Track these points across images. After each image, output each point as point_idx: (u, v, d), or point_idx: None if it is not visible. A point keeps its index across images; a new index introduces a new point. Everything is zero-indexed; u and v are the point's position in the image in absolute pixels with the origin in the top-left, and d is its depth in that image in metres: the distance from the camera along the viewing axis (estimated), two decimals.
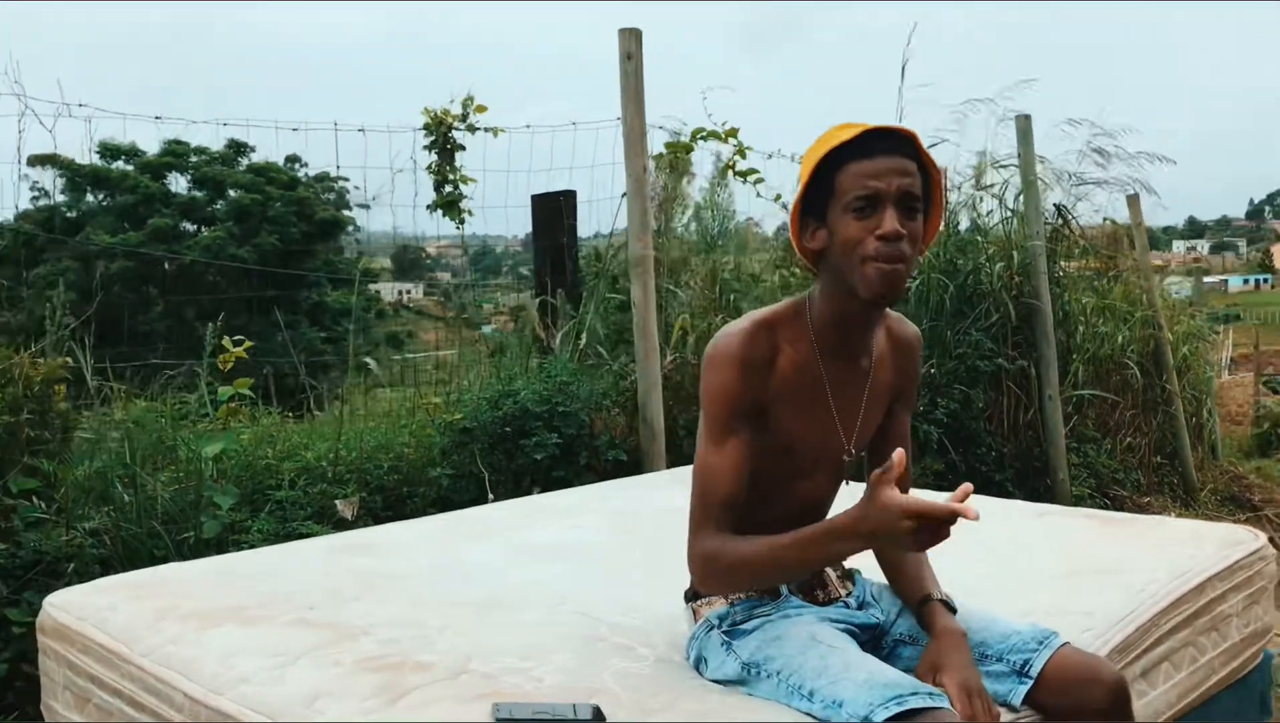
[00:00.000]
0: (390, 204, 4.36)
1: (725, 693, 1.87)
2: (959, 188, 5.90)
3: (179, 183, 32.12)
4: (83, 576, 3.36)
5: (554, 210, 5.67)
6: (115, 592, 2.41)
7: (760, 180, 5.10)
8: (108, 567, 3.47)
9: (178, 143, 30.10)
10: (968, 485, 1.67)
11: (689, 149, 4.99)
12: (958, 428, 5.63)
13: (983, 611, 2.03)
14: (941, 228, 6.13)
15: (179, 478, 3.67)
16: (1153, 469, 7.37)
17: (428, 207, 4.50)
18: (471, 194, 4.55)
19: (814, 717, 1.76)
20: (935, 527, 1.63)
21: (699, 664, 2.01)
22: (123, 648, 2.14)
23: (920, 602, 1.99)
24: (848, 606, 2.05)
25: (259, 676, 1.93)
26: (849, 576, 2.12)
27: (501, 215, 4.74)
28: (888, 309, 2.01)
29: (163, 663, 2.05)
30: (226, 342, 3.65)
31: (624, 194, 4.46)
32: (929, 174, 1.85)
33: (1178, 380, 7.71)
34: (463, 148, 4.47)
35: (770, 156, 5.22)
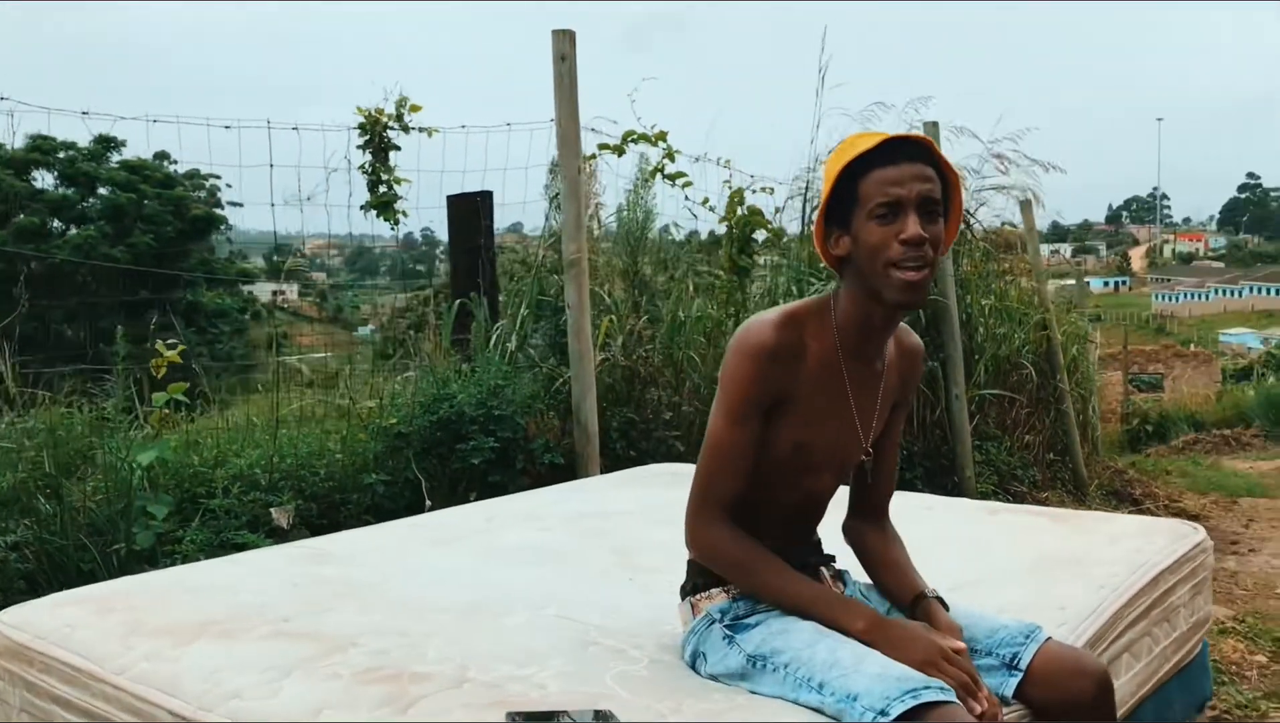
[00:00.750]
0: (325, 204, 4.27)
1: (730, 693, 1.88)
2: None
3: (45, 180, 30.85)
4: (6, 592, 3.22)
5: (471, 211, 5.61)
6: (71, 608, 2.31)
7: (689, 184, 5.15)
8: (33, 582, 3.34)
9: (43, 138, 28.89)
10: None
11: (620, 151, 5.01)
12: None
13: (967, 606, 2.09)
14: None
15: (104, 487, 3.53)
16: (1046, 465, 7.64)
17: (361, 207, 4.42)
18: (405, 194, 4.47)
19: (824, 710, 1.78)
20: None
21: (696, 660, 2.02)
22: (93, 667, 2.06)
23: (914, 600, 2.03)
24: None
25: (251, 691, 1.88)
26: (839, 576, 2.16)
27: (439, 215, 4.66)
28: None
29: (140, 681, 1.98)
30: (161, 346, 3.52)
31: (552, 194, 4.44)
32: (947, 179, 1.90)
33: (1068, 379, 8.02)
34: (397, 148, 4.41)
35: (697, 160, 5.27)
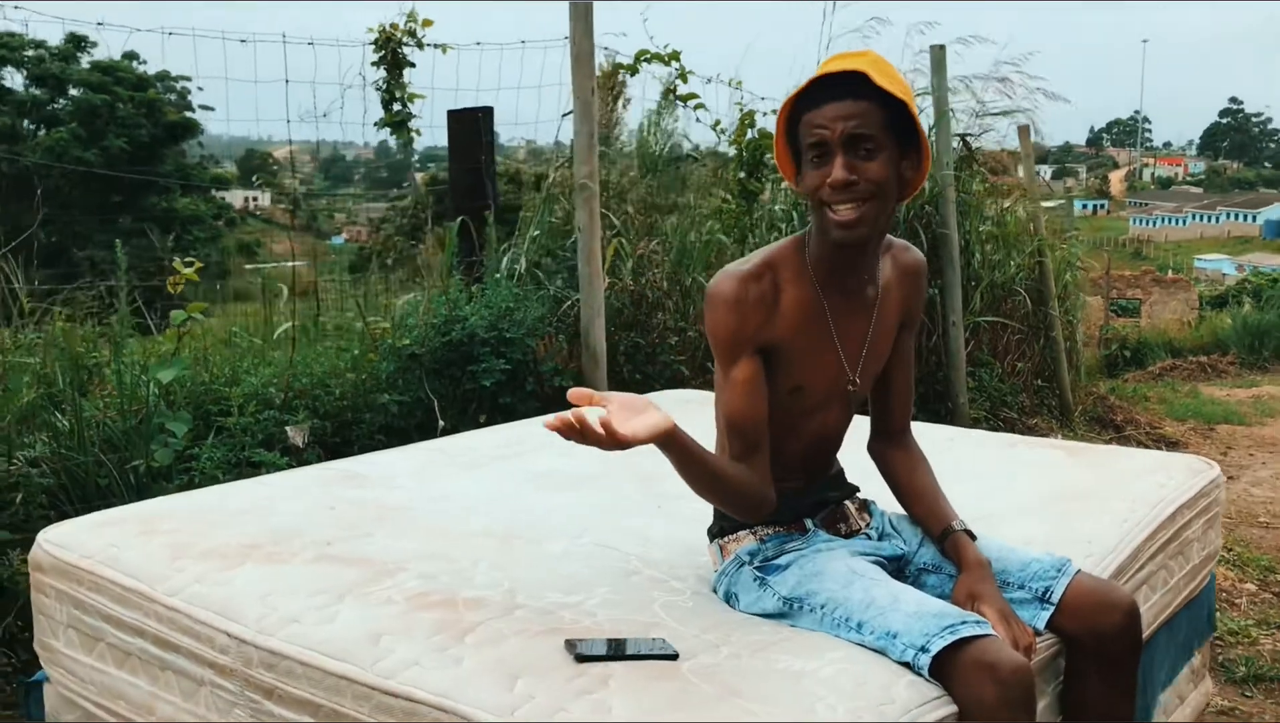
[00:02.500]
0: (340, 120, 4.22)
1: (774, 625, 1.93)
2: None
3: (14, 79, 30.19)
4: (28, 506, 3.24)
5: (472, 127, 5.55)
6: (114, 528, 2.34)
7: (701, 105, 5.10)
8: (53, 497, 3.36)
9: (10, 35, 28.21)
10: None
11: (633, 70, 4.96)
12: None
13: (999, 540, 2.14)
14: None
15: (120, 404, 3.53)
16: (1034, 391, 7.74)
17: (375, 124, 4.37)
18: (419, 112, 4.42)
19: (865, 647, 1.83)
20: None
21: (729, 600, 2.06)
22: (144, 587, 2.09)
23: (942, 534, 2.08)
24: (869, 537, 2.14)
25: (308, 615, 1.92)
26: (865, 507, 2.20)
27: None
28: (891, 237, 2.09)
29: (195, 603, 2.01)
30: (178, 264, 3.50)
31: (565, 114, 4.41)
32: (903, 102, 1.87)
33: (1058, 306, 8.09)
34: (412, 64, 4.34)
35: (709, 81, 5.22)
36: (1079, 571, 2.06)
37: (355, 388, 3.95)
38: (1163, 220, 73.32)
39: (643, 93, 5.05)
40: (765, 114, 5.28)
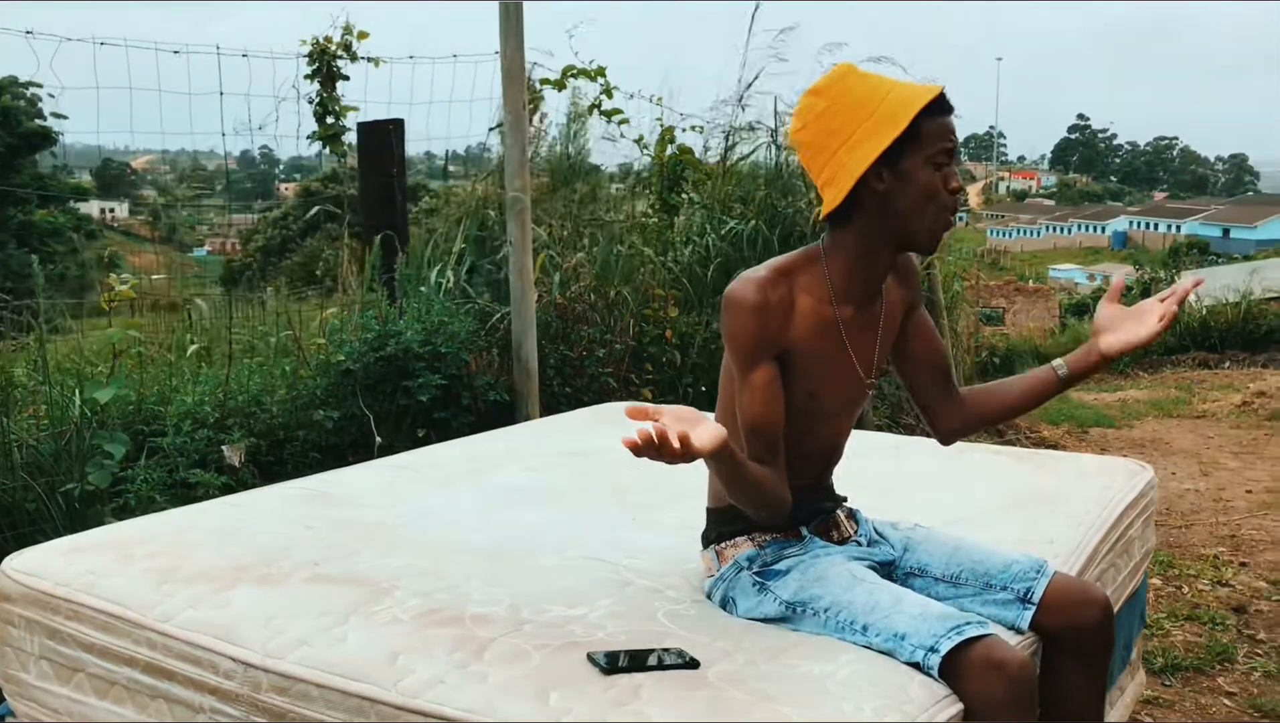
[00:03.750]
0: (274, 135, 4.13)
1: (780, 632, 1.98)
2: (786, 134, 6.14)
3: None
4: None
5: (382, 139, 5.49)
6: (87, 554, 2.26)
7: (625, 120, 5.15)
8: None
9: None
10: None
11: (561, 85, 4.98)
12: None
13: (980, 543, 2.24)
14: (766, 172, 6.44)
15: (48, 425, 3.41)
16: None
17: (308, 137, 4.30)
18: (353, 125, 4.36)
19: (872, 649, 1.90)
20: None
21: (726, 605, 2.11)
22: (134, 614, 2.03)
23: (1052, 373, 2.14)
24: (859, 543, 2.21)
25: (316, 637, 1.90)
26: (853, 515, 2.27)
27: None
28: None
29: (192, 628, 1.97)
30: (113, 279, 3.39)
31: (492, 127, 4.40)
32: None
33: (947, 317, 8.37)
34: (346, 78, 4.28)
35: (632, 97, 5.28)
36: (1056, 571, 2.17)
37: (289, 405, 3.88)
38: (1018, 232, 76.21)
39: (568, 107, 5.09)
40: (684, 130, 5.37)
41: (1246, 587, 4.47)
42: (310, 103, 4.26)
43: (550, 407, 4.46)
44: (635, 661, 1.78)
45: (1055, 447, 8.23)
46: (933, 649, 1.82)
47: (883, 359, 2.19)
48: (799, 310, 2.02)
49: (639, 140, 5.27)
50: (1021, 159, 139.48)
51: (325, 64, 4.21)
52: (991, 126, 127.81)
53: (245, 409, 3.72)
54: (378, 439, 3.88)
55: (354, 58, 4.27)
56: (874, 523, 2.28)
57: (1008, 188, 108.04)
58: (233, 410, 3.70)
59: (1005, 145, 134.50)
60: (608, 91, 5.11)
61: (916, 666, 1.83)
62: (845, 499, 2.28)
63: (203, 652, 1.93)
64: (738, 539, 2.14)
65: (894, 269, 2.14)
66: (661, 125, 5.33)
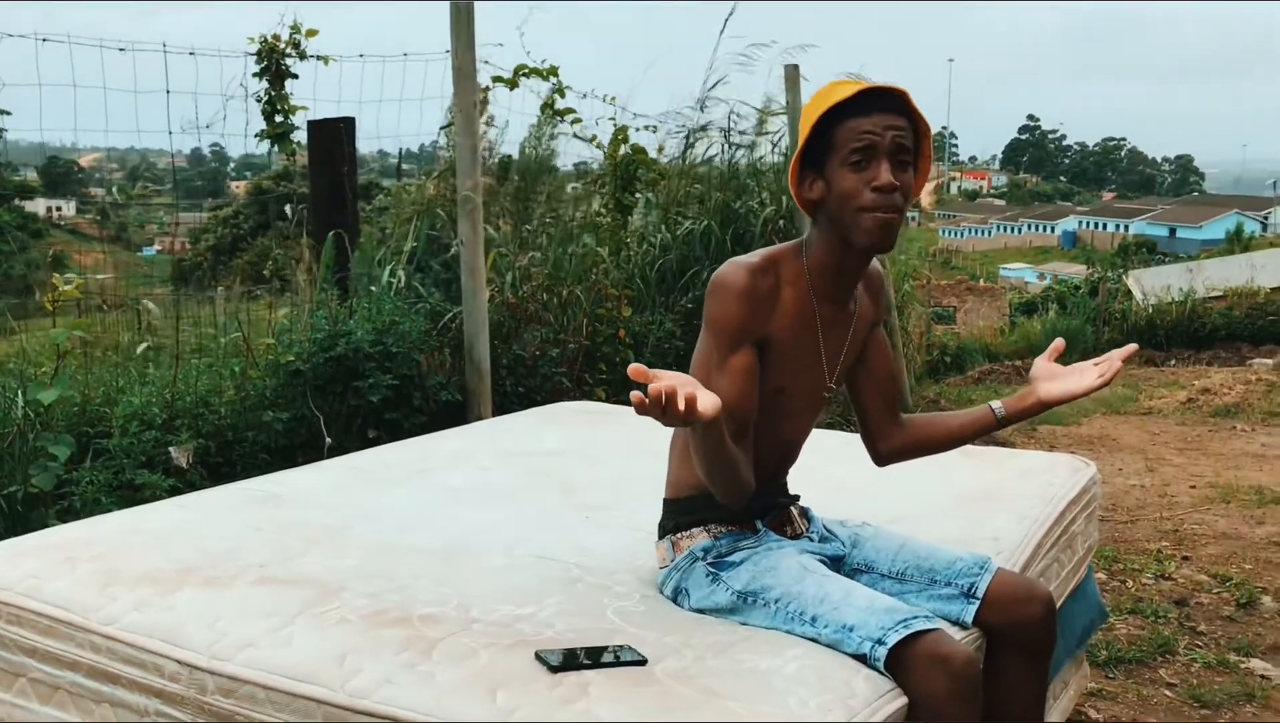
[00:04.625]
0: (222, 133, 4.09)
1: (726, 624, 2.00)
2: (741, 134, 6.18)
3: None
4: None
5: (333, 138, 5.45)
6: (29, 557, 2.23)
7: (578, 120, 5.15)
8: None
9: None
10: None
11: (513, 84, 4.97)
12: None
13: (925, 541, 2.27)
14: (720, 173, 6.47)
15: None
16: None
17: (256, 135, 4.26)
18: (301, 124, 4.33)
19: (819, 641, 1.92)
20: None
21: (678, 596, 2.13)
22: (77, 618, 2.01)
23: (989, 413, 2.25)
24: (811, 539, 2.24)
25: (262, 638, 1.89)
26: (804, 513, 2.30)
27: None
28: None
29: (136, 631, 1.95)
30: (58, 279, 3.34)
31: (442, 126, 4.39)
32: (919, 128, 2.02)
33: (898, 316, 8.46)
34: (295, 76, 4.25)
35: (585, 96, 5.28)
36: (999, 567, 2.20)
37: (237, 406, 3.85)
38: (970, 231, 77.04)
39: (521, 105, 5.09)
40: (637, 130, 5.39)
41: (1188, 580, 4.55)
42: (259, 101, 4.23)
43: (503, 407, 4.46)
44: (583, 658, 1.79)
45: (1005, 444, 8.30)
46: (879, 642, 1.84)
47: (847, 364, 2.23)
48: (783, 301, 2.05)
49: (592, 139, 5.29)
50: (973, 159, 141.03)
51: (274, 62, 4.18)
52: (944, 127, 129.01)
53: (193, 410, 3.68)
54: (328, 440, 3.86)
55: (303, 56, 4.24)
56: (824, 521, 2.31)
57: (959, 188, 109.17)
58: (180, 411, 3.67)
59: (957, 146, 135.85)
60: (560, 91, 5.12)
61: (863, 658, 1.86)
62: (798, 498, 2.31)
63: (148, 655, 1.91)
64: (694, 530, 2.15)
65: (865, 276, 2.18)
66: (615, 125, 5.34)
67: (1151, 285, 17.93)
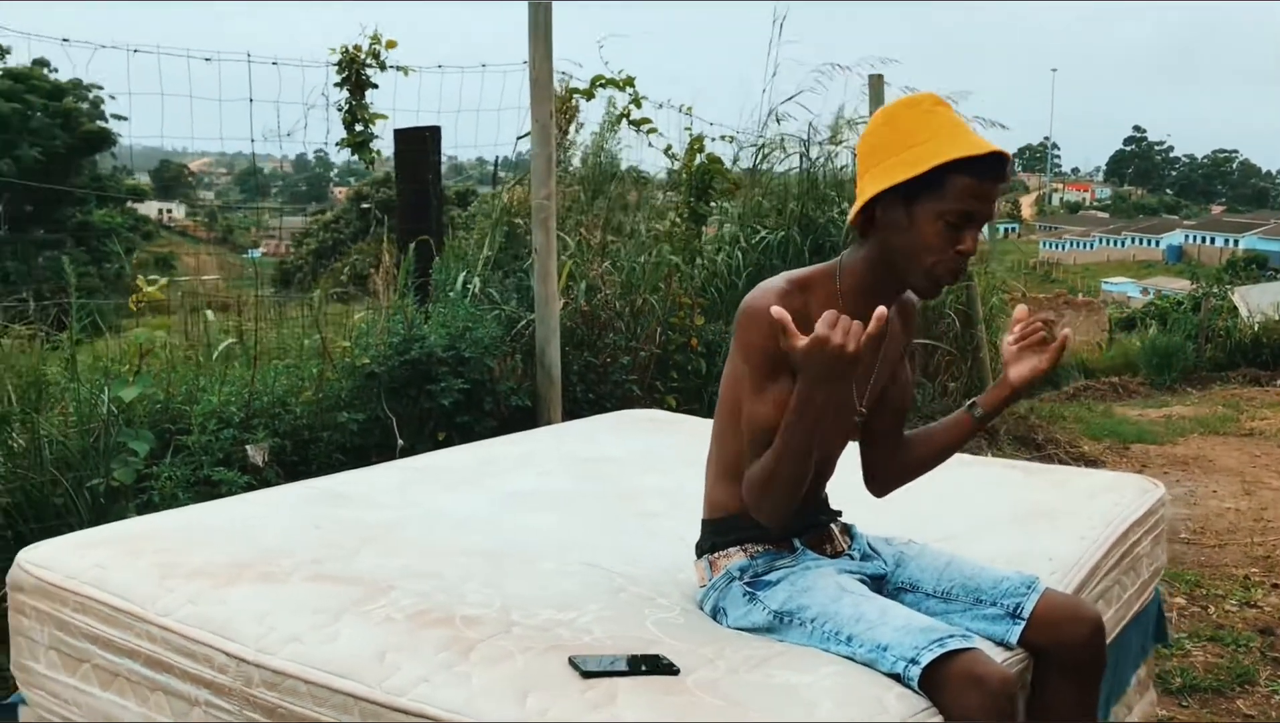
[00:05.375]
0: (303, 140, 4.22)
1: (764, 640, 2.00)
2: (820, 145, 6.16)
3: None
4: None
5: (419, 147, 5.57)
6: (99, 548, 2.33)
7: (653, 130, 5.19)
8: (8, 516, 3.31)
9: None
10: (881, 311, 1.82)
11: (589, 95, 5.03)
12: None
13: (971, 559, 2.24)
14: (801, 183, 6.45)
15: (77, 422, 3.50)
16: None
17: (337, 144, 4.39)
18: (381, 133, 4.44)
19: (855, 660, 1.91)
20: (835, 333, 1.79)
21: (716, 614, 2.13)
22: (135, 608, 2.09)
23: (969, 407, 2.20)
24: (852, 557, 2.22)
25: (308, 634, 1.94)
26: (847, 530, 2.28)
27: None
28: None
29: (190, 623, 2.02)
30: (142, 281, 3.48)
31: (520, 136, 4.46)
32: None
33: (985, 329, 8.32)
34: (375, 86, 4.37)
35: (661, 107, 5.32)
36: (1047, 587, 2.16)
37: (314, 407, 3.95)
38: (1071, 244, 75.36)
39: (599, 116, 5.16)
40: (713, 139, 5.40)
41: (1276, 608, 4.41)
42: (339, 110, 4.35)
43: (573, 412, 4.50)
44: (617, 665, 1.81)
45: (1095, 463, 8.15)
46: (913, 661, 1.83)
47: (877, 389, 2.21)
48: (811, 325, 2.04)
49: (667, 150, 5.32)
50: (1075, 171, 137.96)
51: (354, 72, 4.29)
52: (1045, 138, 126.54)
53: (270, 410, 3.79)
54: (399, 441, 3.93)
55: (383, 67, 4.35)
56: (868, 538, 2.30)
57: (1061, 200, 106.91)
58: (258, 411, 3.78)
59: (1059, 157, 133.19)
60: (636, 101, 5.16)
61: (897, 677, 1.84)
62: (840, 514, 2.29)
63: (198, 646, 1.98)
64: (730, 550, 2.15)
65: (898, 303, 2.16)
66: (690, 134, 5.37)
67: (1259, 302, 17.32)
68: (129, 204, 35.38)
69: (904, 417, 2.32)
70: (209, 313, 5.09)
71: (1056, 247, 74.83)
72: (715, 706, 1.69)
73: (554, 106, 4.20)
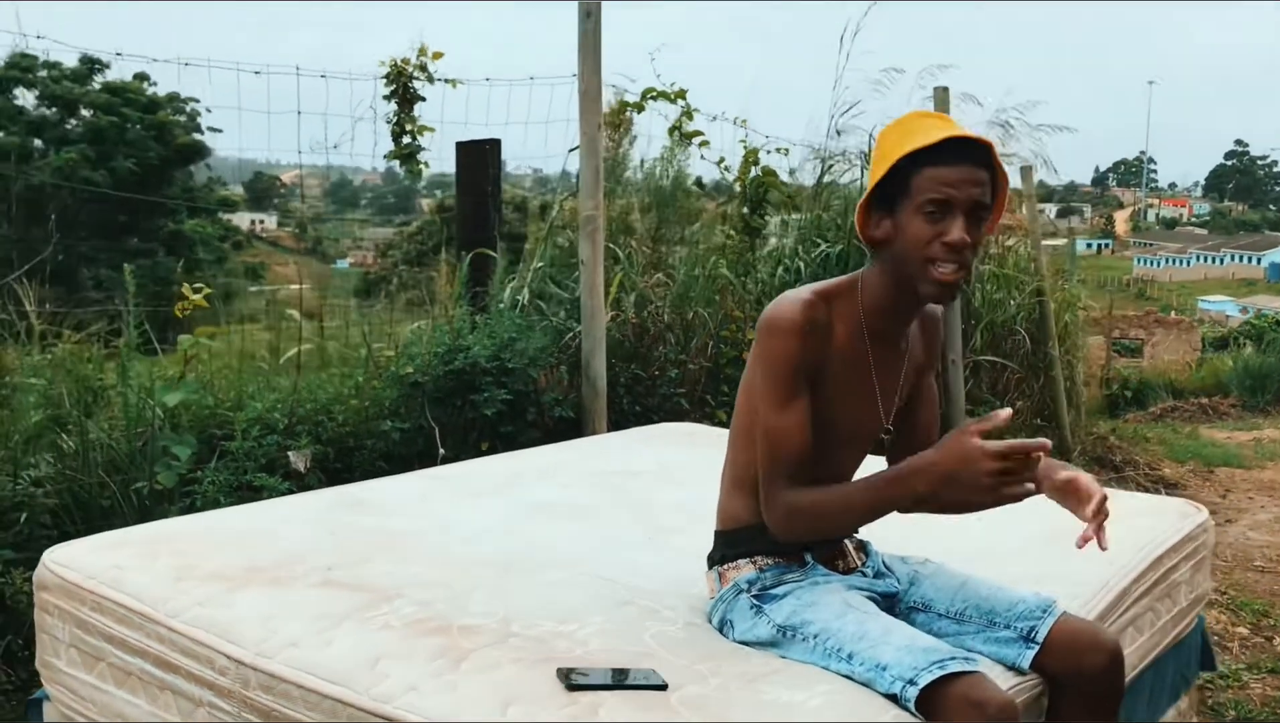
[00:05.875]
0: (350, 153, 4.30)
1: (764, 657, 1.97)
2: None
3: (25, 99, 30.47)
4: (31, 525, 3.28)
5: (479, 158, 5.63)
6: (119, 550, 2.38)
7: (705, 143, 5.19)
8: (56, 517, 3.40)
9: (25, 55, 28.49)
10: (1045, 442, 1.79)
11: (640, 108, 5.05)
12: None
13: (988, 579, 2.18)
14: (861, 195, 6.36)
15: (125, 426, 3.58)
16: (1034, 431, 7.77)
17: (385, 156, 4.45)
18: (429, 145, 4.51)
19: (854, 678, 1.87)
20: (1018, 470, 1.76)
21: (723, 627, 2.10)
22: (146, 609, 2.13)
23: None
24: (864, 574, 2.18)
25: (307, 639, 1.96)
26: (863, 547, 2.24)
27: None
28: None
29: (195, 625, 2.05)
30: (187, 289, 3.56)
31: (572, 149, 4.48)
32: (996, 180, 1.95)
33: (1058, 346, 8.13)
34: (423, 99, 4.43)
35: (714, 119, 5.31)
36: (1064, 612, 2.10)
37: (358, 414, 4.00)
38: (1167, 261, 73.51)
39: (649, 129, 5.16)
40: (768, 151, 5.37)
41: None
42: (388, 123, 4.41)
43: (619, 424, 4.50)
44: (604, 679, 1.79)
45: (1175, 486, 7.92)
46: (911, 682, 1.78)
47: (903, 403, 2.17)
48: (836, 337, 2.02)
49: (720, 162, 5.30)
50: (1173, 186, 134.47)
51: (402, 85, 4.35)
52: (1142, 152, 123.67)
53: (313, 417, 3.84)
54: (441, 451, 3.96)
55: (430, 79, 4.40)
56: (883, 556, 2.25)
57: (1157, 215, 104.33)
58: (302, 418, 3.83)
59: (1155, 172, 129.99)
60: (688, 114, 5.15)
61: (895, 698, 1.80)
62: (855, 530, 2.25)
63: (202, 648, 2.01)
64: (740, 562, 2.13)
65: (920, 317, 2.14)
66: (745, 147, 5.34)
67: None
68: (220, 214, 36.26)
69: (933, 434, 2.26)
70: (294, 313, 5.19)
71: (1151, 264, 73.06)
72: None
73: (602, 120, 4.20)
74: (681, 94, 5.03)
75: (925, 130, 1.92)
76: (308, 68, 4.01)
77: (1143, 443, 9.76)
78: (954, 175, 1.87)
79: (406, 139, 4.48)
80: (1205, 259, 73.80)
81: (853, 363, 2.03)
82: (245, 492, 3.55)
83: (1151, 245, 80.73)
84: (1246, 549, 5.94)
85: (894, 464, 2.22)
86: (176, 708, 2.08)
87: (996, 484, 1.77)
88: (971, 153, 1.90)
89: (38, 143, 29.48)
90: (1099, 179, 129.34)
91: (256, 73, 4.07)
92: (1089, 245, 74.70)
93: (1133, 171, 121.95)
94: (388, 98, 4.40)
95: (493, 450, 4.07)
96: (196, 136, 31.59)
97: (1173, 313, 31.89)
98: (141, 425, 3.55)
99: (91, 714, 2.26)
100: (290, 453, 3.70)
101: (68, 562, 2.34)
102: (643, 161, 5.37)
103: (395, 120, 4.43)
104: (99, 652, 2.22)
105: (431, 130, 4.55)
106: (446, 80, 4.41)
